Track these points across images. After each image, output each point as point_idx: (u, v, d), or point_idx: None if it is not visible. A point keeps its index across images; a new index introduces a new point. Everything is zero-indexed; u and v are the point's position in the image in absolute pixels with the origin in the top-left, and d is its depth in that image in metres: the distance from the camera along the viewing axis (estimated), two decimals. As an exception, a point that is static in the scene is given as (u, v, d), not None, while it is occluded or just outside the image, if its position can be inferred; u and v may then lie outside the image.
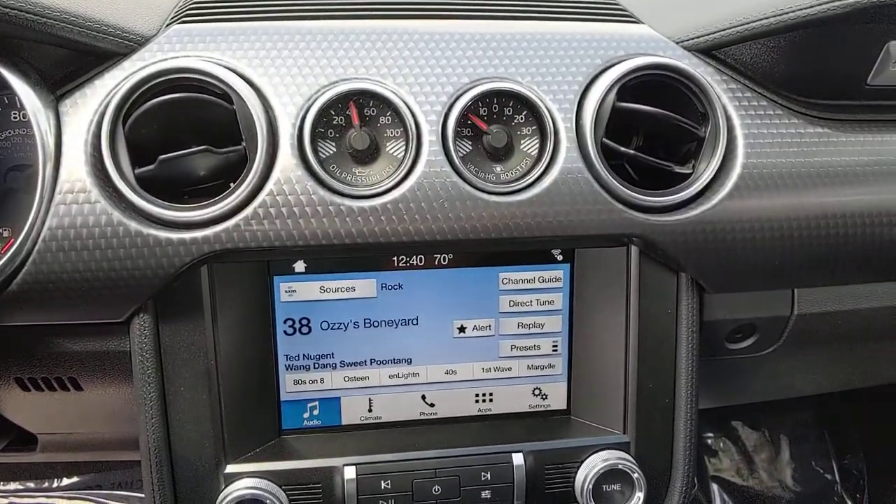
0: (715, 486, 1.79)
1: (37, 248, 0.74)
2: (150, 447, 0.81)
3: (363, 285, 0.88)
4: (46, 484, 1.80)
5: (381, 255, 0.85)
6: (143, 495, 1.74)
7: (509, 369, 0.93)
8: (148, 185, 0.77)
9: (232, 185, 0.78)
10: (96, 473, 1.80)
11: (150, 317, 0.80)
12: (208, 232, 0.76)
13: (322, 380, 0.90)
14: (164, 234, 0.76)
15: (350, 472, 0.84)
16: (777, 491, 1.81)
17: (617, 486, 0.87)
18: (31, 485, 1.79)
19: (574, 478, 0.88)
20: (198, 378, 0.82)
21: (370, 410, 0.91)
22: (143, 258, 0.76)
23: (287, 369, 0.89)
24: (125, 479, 1.79)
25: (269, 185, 0.76)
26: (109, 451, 1.14)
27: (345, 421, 0.91)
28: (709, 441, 1.86)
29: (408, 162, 0.78)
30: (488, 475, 0.86)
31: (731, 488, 1.80)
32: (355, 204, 0.77)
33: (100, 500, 1.77)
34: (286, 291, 0.86)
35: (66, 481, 1.79)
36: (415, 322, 0.89)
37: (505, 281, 0.90)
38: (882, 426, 1.78)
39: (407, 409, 0.92)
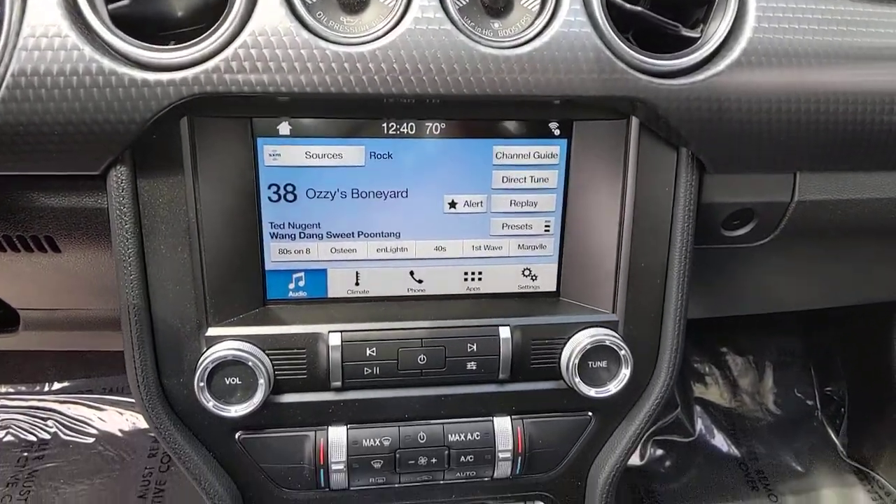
0: (698, 407, 1.81)
1: (2, 92, 0.70)
2: (129, 306, 0.79)
3: (351, 152, 0.84)
4: (38, 388, 1.79)
5: (368, 114, 0.82)
6: (134, 400, 1.74)
7: (500, 248, 0.91)
8: (122, 25, 0.72)
9: (214, 29, 0.74)
10: (87, 378, 1.79)
11: (127, 169, 0.76)
12: (186, 74, 0.72)
13: (308, 250, 0.87)
14: (140, 74, 0.72)
15: (335, 339, 0.83)
16: (758, 414, 1.83)
17: (603, 363, 0.87)
18: (23, 388, 1.78)
19: (560, 354, 0.87)
20: (178, 237, 0.79)
21: (357, 284, 0.90)
22: (118, 101, 0.72)
23: (272, 237, 0.86)
24: (116, 385, 1.79)
25: (251, 27, 0.72)
26: (93, 333, 1.12)
27: (331, 293, 0.89)
28: (695, 365, 1.88)
29: (399, 8, 0.74)
30: (474, 347, 0.85)
31: (713, 410, 1.82)
32: (341, 49, 0.73)
33: (92, 403, 1.77)
34: (270, 155, 0.83)
35: (56, 385, 1.79)
36: (404, 195, 0.87)
37: (499, 155, 0.87)
38: (866, 356, 1.80)
39: (394, 284, 0.90)
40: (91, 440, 1.70)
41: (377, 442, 0.86)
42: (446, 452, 0.88)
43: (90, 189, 0.81)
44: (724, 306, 1.32)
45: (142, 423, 1.73)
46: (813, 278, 1.26)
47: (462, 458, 0.88)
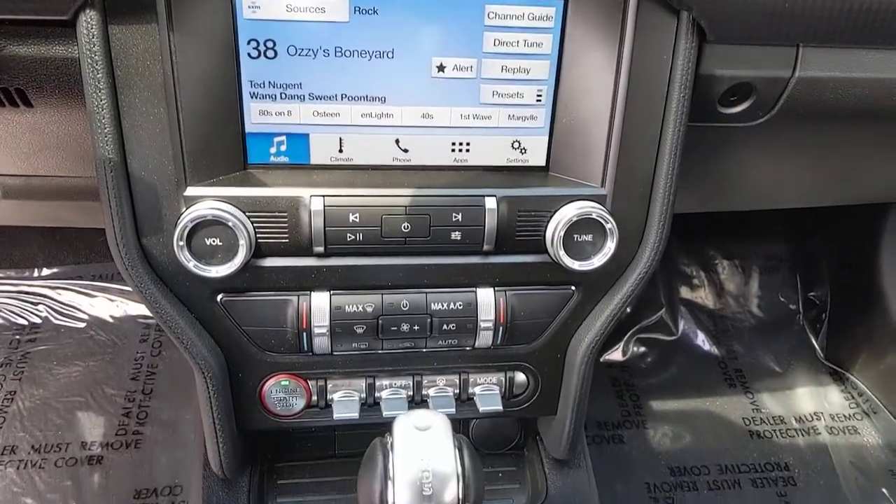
0: (683, 308, 1.84)
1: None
2: (104, 161, 0.77)
3: (334, 6, 0.80)
4: (27, 273, 1.80)
5: None
6: (126, 287, 1.75)
7: (489, 118, 0.88)
8: None
9: None
10: (76, 265, 1.79)
11: (97, 14, 0.72)
12: None
13: (289, 112, 0.84)
14: None
15: (318, 203, 0.81)
16: (741, 317, 1.87)
17: (588, 237, 0.86)
18: (12, 273, 1.79)
19: (546, 227, 0.86)
20: (154, 90, 0.76)
21: (341, 151, 0.87)
22: (84, -68, 0.67)
23: (252, 97, 0.83)
24: (105, 272, 1.79)
25: None
26: (76, 205, 1.10)
27: (314, 160, 0.87)
28: (682, 267, 1.89)
29: None
30: (459, 217, 0.84)
31: (697, 311, 1.85)
32: None
33: (82, 289, 1.78)
34: (249, 7, 0.79)
35: (46, 271, 1.79)
36: (390, 55, 0.83)
37: (491, 15, 0.82)
38: (850, 261, 1.81)
39: (380, 152, 0.88)
40: (82, 325, 1.72)
41: (360, 308, 0.86)
42: (429, 320, 0.88)
43: (60, 37, 0.77)
44: (712, 201, 1.31)
45: (132, 309, 1.75)
46: (804, 174, 1.24)
47: (444, 327, 0.89)
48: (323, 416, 0.94)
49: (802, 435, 1.67)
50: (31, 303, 1.75)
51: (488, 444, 1.07)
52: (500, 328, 0.90)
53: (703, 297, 1.87)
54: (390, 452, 0.66)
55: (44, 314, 1.73)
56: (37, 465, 1.48)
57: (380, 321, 0.87)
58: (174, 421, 1.55)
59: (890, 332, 1.70)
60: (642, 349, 1.78)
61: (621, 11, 0.80)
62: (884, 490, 1.59)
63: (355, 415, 0.91)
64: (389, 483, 0.65)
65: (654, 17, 0.80)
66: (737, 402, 1.71)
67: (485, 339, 0.91)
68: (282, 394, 0.92)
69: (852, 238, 1.81)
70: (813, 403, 1.73)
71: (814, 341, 1.84)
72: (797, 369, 1.79)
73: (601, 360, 1.76)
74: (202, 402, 0.89)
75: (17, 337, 1.70)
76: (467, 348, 0.93)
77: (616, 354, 1.78)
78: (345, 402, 0.92)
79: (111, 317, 1.73)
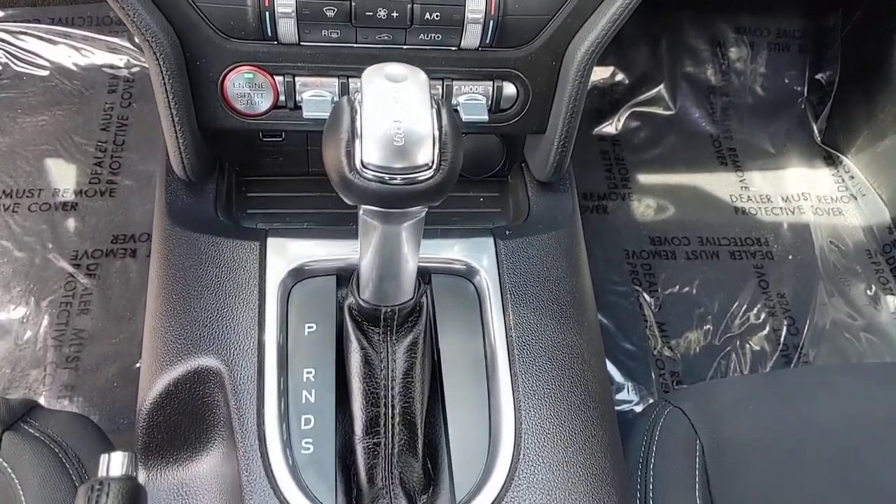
0: (683, 84, 1.76)
1: None
2: None
3: None
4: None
5: None
6: (90, 33, 1.62)
7: None
8: None
9: None
10: (32, 7, 1.63)
11: None
12: None
13: None
14: None
15: None
16: (742, 95, 1.79)
17: None
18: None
19: None
20: None
21: None
22: None
23: None
24: (65, 16, 1.64)
25: None
26: None
27: None
28: (690, 41, 1.77)
29: None
30: None
31: (698, 86, 1.77)
32: None
33: (42, 35, 1.64)
34: None
35: (0, 13, 1.64)
36: None
37: None
38: (866, 42, 1.69)
39: None
40: (46, 73, 1.61)
41: None
42: (409, 6, 0.79)
43: None
44: None
45: (99, 59, 1.63)
46: None
47: (427, 16, 0.80)
48: (292, 117, 0.88)
49: (787, 213, 1.66)
50: (-11, 48, 1.62)
51: (471, 170, 1.03)
52: (491, 22, 0.81)
53: (707, 72, 1.77)
54: (358, 108, 0.61)
55: (3, 60, 1.61)
56: (9, 210, 1.46)
57: (353, 3, 0.78)
58: (151, 172, 1.51)
59: (893, 116, 1.63)
60: (636, 123, 1.72)
61: None
62: (857, 267, 1.62)
63: (326, 114, 0.85)
64: (357, 141, 0.59)
65: None
66: (726, 179, 1.69)
67: (473, 35, 0.82)
68: (246, 88, 0.85)
69: (872, 14, 1.67)
70: (802, 184, 1.71)
71: (813, 124, 1.78)
72: (791, 151, 1.75)
73: (592, 132, 1.70)
74: (157, 91, 0.82)
75: (-23, 85, 1.60)
76: (452, 48, 0.84)
77: (609, 128, 1.72)
78: (315, 101, 0.85)
79: (75, 65, 1.62)
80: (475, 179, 1.05)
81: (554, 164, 0.94)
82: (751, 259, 1.59)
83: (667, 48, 1.73)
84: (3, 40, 1.62)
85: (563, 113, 0.89)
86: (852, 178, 1.73)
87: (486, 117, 0.88)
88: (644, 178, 1.66)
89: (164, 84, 0.81)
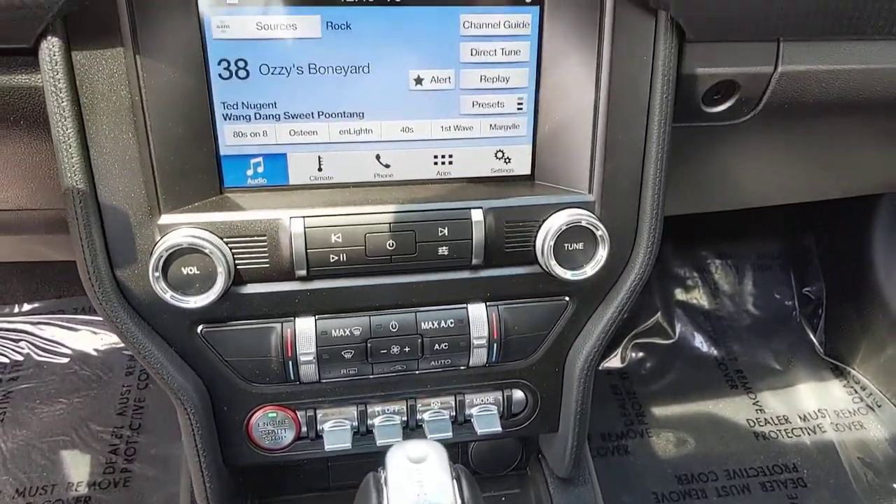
0: (678, 311, 1.82)
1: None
2: (72, 191, 0.73)
3: (305, 22, 0.78)
4: (7, 310, 1.75)
5: None
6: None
7: (471, 129, 0.86)
8: None
9: None
10: (57, 299, 1.75)
11: (59, 40, 0.70)
12: None
13: (265, 133, 0.82)
14: (63, -73, 0.64)
15: (298, 225, 0.79)
16: (738, 316, 1.85)
17: (579, 245, 0.84)
18: (-8, 309, 1.74)
19: (535, 237, 0.84)
20: (122, 115, 0.73)
21: (320, 169, 0.85)
22: (40, -41, 0.64)
23: (225, 119, 0.80)
24: (87, 304, 1.74)
25: None
26: (51, 239, 1.06)
27: (293, 180, 0.84)
28: (676, 270, 1.87)
29: None
30: (446, 231, 0.81)
31: (693, 313, 1.83)
32: None
33: (64, 324, 1.73)
34: (218, 27, 0.76)
35: (26, 306, 1.75)
36: (366, 70, 0.81)
37: (467, 24, 0.80)
38: (843, 256, 1.80)
39: (360, 169, 0.85)
40: (66, 360, 1.68)
41: (347, 332, 0.83)
42: (419, 341, 0.85)
43: (23, 66, 0.74)
44: (703, 201, 1.29)
45: (117, 341, 1.70)
46: (794, 169, 1.23)
47: (436, 346, 0.86)
48: (314, 447, 0.90)
49: (808, 434, 1.64)
50: (13, 340, 1.70)
51: (489, 467, 1.04)
52: (495, 344, 0.87)
53: (699, 298, 1.85)
54: (384, 488, 0.63)
55: (25, 351, 1.68)
56: (23, 510, 1.43)
57: (368, 344, 0.84)
58: (165, 456, 1.51)
59: (888, 323, 1.68)
60: (641, 354, 1.76)
61: (598, 14, 0.78)
62: (895, 485, 1.57)
63: (348, 445, 0.88)
64: (385, 519, 0.61)
65: (631, 17, 0.79)
66: (739, 403, 1.69)
67: (479, 356, 0.88)
68: (270, 426, 0.88)
69: (843, 231, 1.80)
70: (816, 400, 1.71)
71: (812, 337, 1.82)
72: (797, 366, 1.77)
73: (599, 367, 1.73)
74: (185, 436, 0.85)
75: None
76: (461, 367, 0.90)
77: (614, 361, 1.75)
78: (336, 431, 0.89)
79: (95, 350, 1.69)
80: (495, 476, 1.05)
81: (571, 460, 0.95)
82: (783, 489, 1.54)
83: (656, 279, 1.83)
84: (26, 332, 1.70)
85: (573, 412, 0.92)
86: (864, 388, 1.73)
87: (499, 428, 0.91)
88: (659, 411, 1.65)
89: (192, 428, 0.84)
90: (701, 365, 1.75)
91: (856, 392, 1.73)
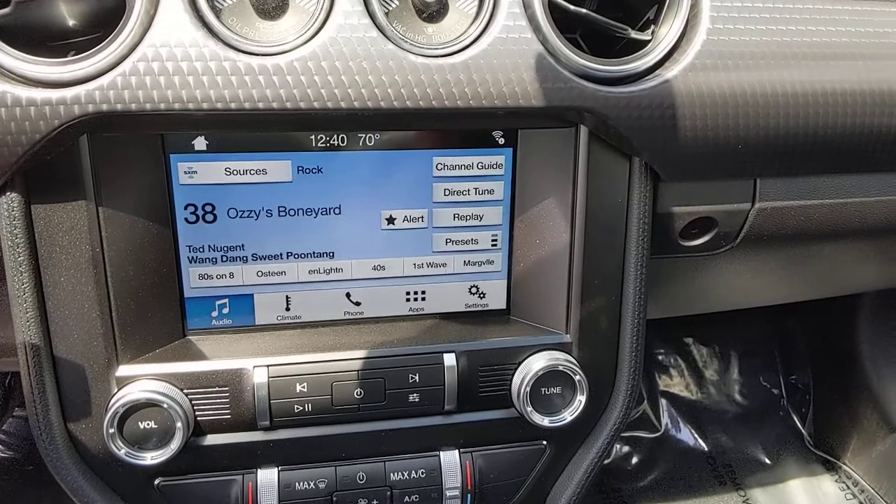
0: (664, 401, 1.78)
1: None
2: (25, 345, 0.71)
3: (276, 167, 0.76)
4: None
5: (294, 127, 0.74)
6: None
7: (444, 265, 0.84)
8: (5, 36, 0.63)
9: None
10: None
11: (18, 195, 0.68)
12: (78, 91, 0.63)
13: (231, 274, 0.80)
14: (25, 92, 0.63)
15: (261, 375, 0.76)
16: (724, 405, 1.81)
17: (557, 389, 0.81)
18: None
19: (511, 380, 0.81)
20: (81, 268, 0.71)
21: (287, 309, 0.82)
22: (1, 121, 0.63)
23: (190, 262, 0.78)
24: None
25: (151, 37, 0.64)
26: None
27: (259, 321, 0.82)
28: (659, 357, 1.85)
29: (321, 13, 0.66)
30: (416, 377, 0.79)
31: (679, 403, 1.79)
32: (255, 61, 0.65)
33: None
34: (185, 172, 0.75)
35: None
36: (337, 211, 0.79)
37: (440, 166, 0.80)
38: (829, 343, 1.78)
39: (330, 307, 0.83)
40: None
41: (312, 485, 0.79)
42: (388, 493, 0.81)
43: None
44: (684, 307, 1.28)
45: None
46: (774, 279, 1.22)
47: (406, 499, 0.82)
48: None
49: (800, 534, 1.59)
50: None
51: None
52: (469, 495, 0.83)
53: (684, 387, 1.82)
54: None
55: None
56: None
57: (334, 498, 0.80)
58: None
59: (877, 418, 1.65)
60: (626, 448, 1.71)
61: (572, 156, 0.78)
62: (888, 590, 1.52)
63: None
64: None
65: (605, 161, 0.78)
66: (728, 500, 1.64)
67: None
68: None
69: (829, 318, 1.78)
70: (808, 497, 1.66)
71: (801, 428, 1.79)
72: (787, 460, 1.73)
73: (585, 463, 1.68)
74: None
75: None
76: None
77: (600, 456, 1.70)
78: None
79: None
80: None
81: None
82: None
83: (642, 367, 1.80)
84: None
85: None
86: (856, 484, 1.69)
87: None
88: (645, 511, 1.60)
89: None
90: (688, 459, 1.71)
91: (848, 488, 1.69)
